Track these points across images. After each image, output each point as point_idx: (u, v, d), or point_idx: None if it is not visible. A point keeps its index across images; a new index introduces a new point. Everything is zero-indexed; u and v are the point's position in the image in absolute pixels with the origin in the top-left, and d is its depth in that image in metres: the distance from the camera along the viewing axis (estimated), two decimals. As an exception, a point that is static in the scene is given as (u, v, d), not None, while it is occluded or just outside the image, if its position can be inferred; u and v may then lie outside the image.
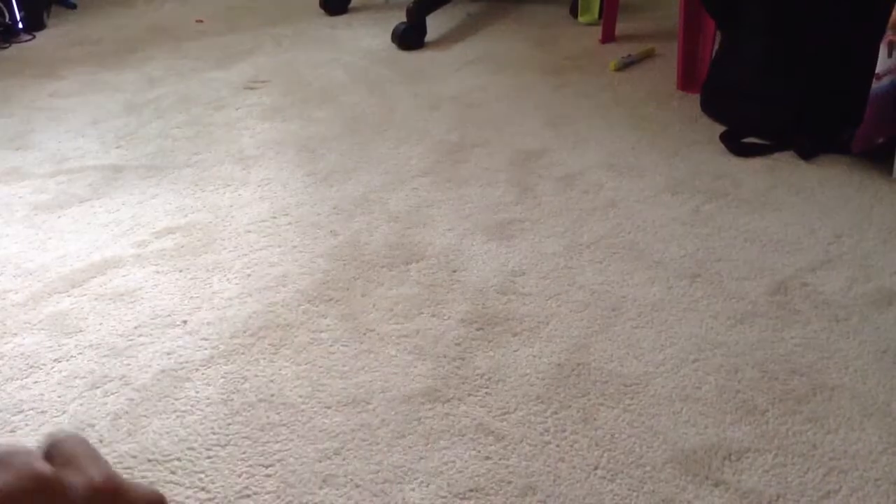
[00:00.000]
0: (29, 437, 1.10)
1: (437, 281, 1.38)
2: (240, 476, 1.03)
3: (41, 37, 2.79)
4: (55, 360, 1.24)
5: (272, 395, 1.15)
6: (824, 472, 0.99)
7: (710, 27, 1.99)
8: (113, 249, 1.53)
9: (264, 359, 1.22)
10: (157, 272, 1.45)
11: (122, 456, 1.06)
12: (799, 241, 1.44)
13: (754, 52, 1.80)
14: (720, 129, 1.83)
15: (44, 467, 0.31)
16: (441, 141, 1.88)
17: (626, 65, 2.24)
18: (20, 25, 2.79)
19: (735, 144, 1.76)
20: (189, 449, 1.07)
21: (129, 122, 2.07)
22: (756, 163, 1.71)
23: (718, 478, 0.99)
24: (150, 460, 1.06)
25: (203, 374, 1.20)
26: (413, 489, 1.00)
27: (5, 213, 1.67)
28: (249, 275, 1.42)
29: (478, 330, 1.26)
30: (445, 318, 1.29)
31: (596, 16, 2.58)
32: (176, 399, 1.16)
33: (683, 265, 1.39)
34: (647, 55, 2.30)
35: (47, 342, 1.28)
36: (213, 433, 1.09)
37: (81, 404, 1.16)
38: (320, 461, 1.04)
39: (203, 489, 1.01)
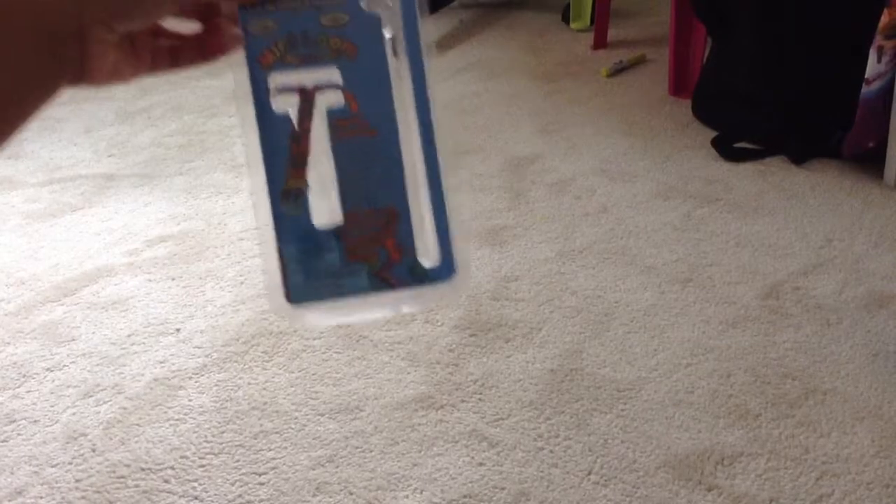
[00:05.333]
0: (21, 448, 1.10)
1: (430, 287, 1.38)
2: (233, 484, 1.02)
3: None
4: (47, 370, 1.24)
5: (265, 403, 1.15)
6: (817, 475, 0.99)
7: (701, 33, 2.00)
8: (105, 258, 1.52)
9: (257, 366, 1.22)
10: (150, 280, 1.45)
11: (115, 465, 1.06)
12: (790, 245, 1.44)
13: (745, 57, 1.81)
14: (711, 134, 1.84)
15: None
16: (434, 147, 1.88)
17: (617, 71, 2.25)
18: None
19: (726, 149, 1.77)
20: (182, 457, 1.07)
21: (122, 130, 2.07)
22: (747, 167, 1.71)
23: (711, 482, 0.99)
24: (143, 469, 1.05)
25: (196, 382, 1.20)
26: (407, 496, 1.00)
27: (-3, 223, 1.67)
28: (242, 282, 1.42)
29: (471, 336, 1.26)
30: (438, 324, 1.29)
31: (588, 22, 2.59)
32: (169, 407, 1.16)
33: (675, 270, 1.39)
34: (639, 61, 2.31)
35: (40, 351, 1.28)
36: (207, 441, 1.09)
37: (74, 413, 1.15)
38: (313, 468, 1.04)
39: (196, 498, 1.01)
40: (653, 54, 2.33)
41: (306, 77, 0.45)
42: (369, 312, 0.47)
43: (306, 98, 0.45)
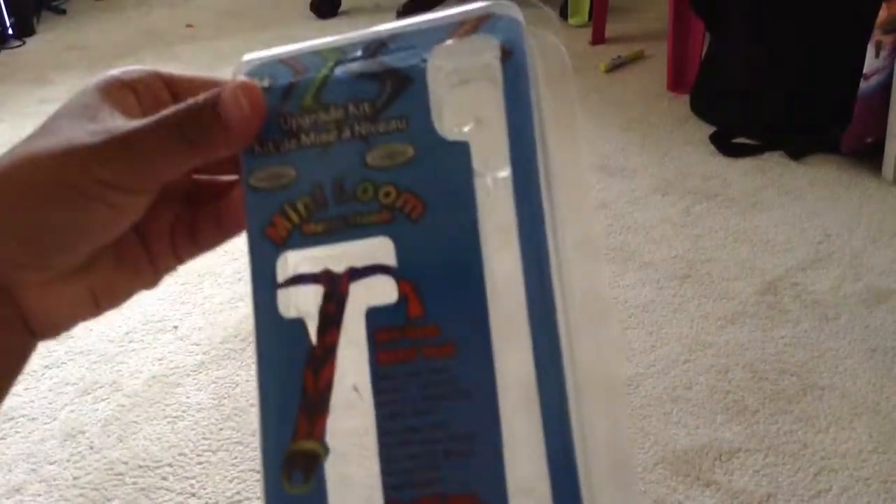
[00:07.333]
0: (19, 445, 1.10)
1: (428, 284, 1.38)
2: (231, 482, 1.02)
3: (31, 42, 2.78)
4: (46, 367, 1.24)
5: (263, 400, 1.15)
6: (815, 471, 0.99)
7: (700, 28, 1.99)
8: (103, 255, 1.52)
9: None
10: (148, 278, 1.45)
11: (113, 462, 1.06)
12: (789, 240, 1.44)
13: (743, 52, 1.81)
14: (710, 129, 1.83)
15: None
16: (432, 144, 1.88)
17: (616, 66, 2.24)
18: (10, 31, 2.79)
19: (725, 145, 1.76)
20: (180, 455, 1.07)
21: (120, 127, 2.07)
22: (746, 163, 1.71)
23: (709, 478, 0.99)
24: (140, 466, 1.05)
25: (194, 379, 1.20)
26: (405, 493, 0.99)
27: (-5, 220, 1.66)
28: (240, 279, 1.42)
29: (469, 333, 1.26)
30: (437, 321, 1.29)
31: (586, 17, 2.58)
32: (167, 405, 1.15)
33: (674, 266, 1.39)
34: (637, 57, 2.31)
35: (38, 348, 1.28)
36: (205, 439, 1.09)
37: (72, 411, 1.15)
38: (312, 466, 1.04)
39: (194, 495, 1.01)
40: (651, 50, 2.32)
41: (334, 256, 0.28)
42: None
43: (334, 292, 0.28)
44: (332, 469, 0.26)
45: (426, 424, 0.26)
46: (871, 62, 1.55)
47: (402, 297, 0.26)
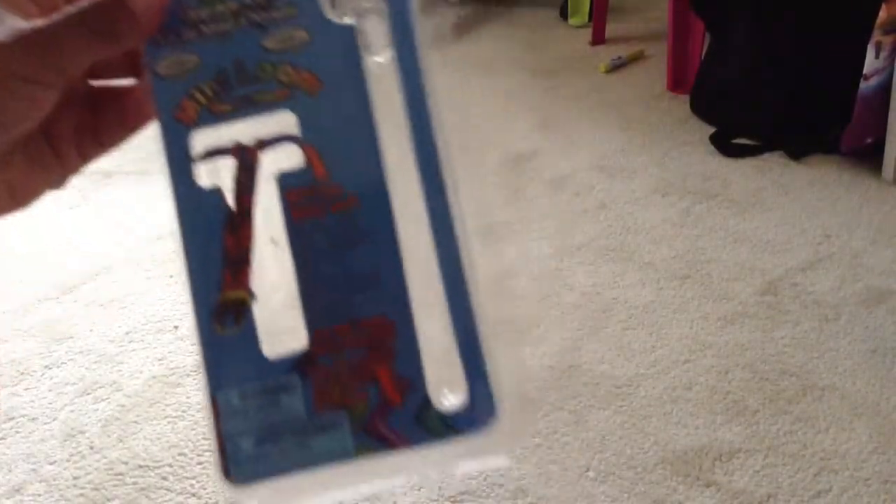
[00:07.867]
0: (20, 445, 1.10)
1: (428, 284, 1.38)
2: (231, 481, 1.02)
3: (31, 42, 2.78)
4: (46, 367, 1.24)
5: (263, 400, 1.15)
6: (815, 472, 0.99)
7: (700, 28, 2.00)
8: (103, 255, 1.52)
9: (255, 364, 1.22)
10: (148, 278, 1.45)
11: (113, 462, 1.06)
12: (789, 241, 1.44)
13: (743, 52, 1.81)
14: (710, 129, 1.83)
15: None
16: (432, 144, 1.88)
17: (616, 67, 2.24)
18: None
19: (725, 145, 1.77)
20: (180, 455, 1.07)
21: (120, 127, 2.07)
22: (746, 163, 1.71)
23: (709, 478, 0.99)
24: (140, 466, 1.05)
25: (194, 379, 1.20)
26: (405, 493, 1.00)
27: (-5, 220, 1.66)
28: (240, 279, 1.42)
29: (469, 333, 1.26)
30: (437, 321, 1.29)
31: (586, 18, 2.58)
32: (167, 405, 1.15)
33: (674, 266, 1.39)
34: (637, 57, 2.31)
35: (38, 349, 1.28)
36: (205, 439, 1.09)
37: (72, 411, 1.15)
38: (312, 466, 1.04)
39: (194, 495, 1.01)
40: (651, 50, 2.33)
41: (244, 130, 0.31)
42: (355, 488, 0.31)
43: (245, 161, 0.31)
44: (260, 311, 0.31)
45: (338, 265, 0.31)
46: (871, 63, 1.56)
47: (307, 161, 0.31)
